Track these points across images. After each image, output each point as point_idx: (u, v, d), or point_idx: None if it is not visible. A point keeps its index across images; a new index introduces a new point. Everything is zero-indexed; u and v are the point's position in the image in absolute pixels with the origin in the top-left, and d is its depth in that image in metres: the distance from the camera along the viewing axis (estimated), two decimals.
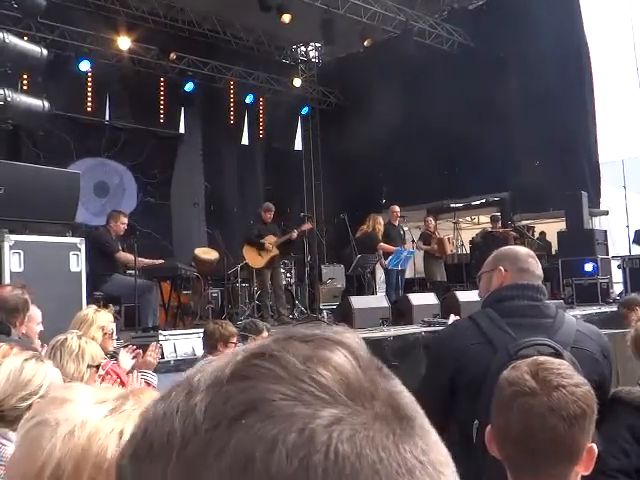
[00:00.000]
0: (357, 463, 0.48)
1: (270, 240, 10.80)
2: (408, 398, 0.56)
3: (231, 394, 0.51)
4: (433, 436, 0.55)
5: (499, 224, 13.67)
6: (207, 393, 0.52)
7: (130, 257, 8.31)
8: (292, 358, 0.53)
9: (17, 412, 2.61)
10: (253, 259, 10.90)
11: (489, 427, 1.75)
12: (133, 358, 4.68)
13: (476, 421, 2.30)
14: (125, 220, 8.63)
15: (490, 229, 13.83)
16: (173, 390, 0.56)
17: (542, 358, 1.80)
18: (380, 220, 11.74)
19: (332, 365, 0.53)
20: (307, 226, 11.34)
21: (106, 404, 0.95)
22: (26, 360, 2.68)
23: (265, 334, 5.30)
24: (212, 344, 4.97)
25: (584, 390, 1.69)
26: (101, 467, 0.89)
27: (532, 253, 2.77)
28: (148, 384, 4.41)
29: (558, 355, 2.24)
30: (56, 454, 0.90)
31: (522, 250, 2.79)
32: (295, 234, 10.95)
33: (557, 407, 1.64)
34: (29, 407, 2.64)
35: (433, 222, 13.76)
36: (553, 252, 14.18)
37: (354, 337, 0.58)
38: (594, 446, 1.67)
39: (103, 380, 3.87)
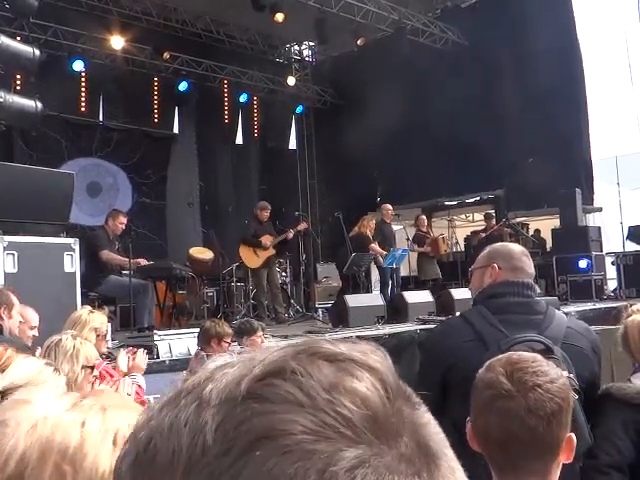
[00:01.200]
0: None
1: (267, 240, 10.80)
2: (434, 431, 0.52)
3: (245, 417, 0.47)
4: (459, 473, 0.52)
5: (493, 222, 13.69)
6: (219, 410, 0.48)
7: (114, 256, 8.29)
8: (316, 383, 0.48)
9: None
10: (249, 259, 10.90)
11: (469, 424, 1.76)
12: (133, 360, 4.70)
13: (468, 418, 2.31)
14: (124, 220, 8.62)
15: (484, 228, 13.84)
16: (182, 397, 0.52)
17: (516, 356, 1.79)
18: (370, 222, 11.67)
19: (359, 397, 0.48)
20: (302, 225, 11.35)
21: (65, 401, 0.96)
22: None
23: (260, 333, 5.33)
24: (206, 340, 5.08)
25: (559, 385, 1.70)
26: (65, 454, 0.89)
27: (526, 251, 2.78)
28: (139, 386, 4.43)
29: (549, 351, 2.25)
30: (20, 447, 0.90)
31: (516, 248, 2.79)
32: (291, 234, 10.96)
33: (535, 408, 1.65)
34: None
35: (425, 221, 13.74)
36: (548, 249, 14.21)
37: (382, 358, 0.54)
38: (572, 435, 1.69)
39: (97, 381, 3.86)
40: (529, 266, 2.70)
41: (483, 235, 13.41)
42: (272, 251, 10.86)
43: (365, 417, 0.47)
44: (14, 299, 4.34)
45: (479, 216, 16.29)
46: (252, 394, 0.48)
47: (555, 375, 1.73)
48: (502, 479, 1.68)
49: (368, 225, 11.60)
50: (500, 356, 1.81)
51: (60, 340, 3.46)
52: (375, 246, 11.55)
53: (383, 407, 0.49)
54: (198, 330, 5.43)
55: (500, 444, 1.66)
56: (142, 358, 4.72)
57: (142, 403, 4.44)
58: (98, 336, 4.43)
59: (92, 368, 3.49)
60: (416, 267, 13.34)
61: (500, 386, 1.69)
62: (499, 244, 2.93)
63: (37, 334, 4.47)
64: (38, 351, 4.07)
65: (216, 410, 0.48)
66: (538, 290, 2.72)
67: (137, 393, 4.31)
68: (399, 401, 0.51)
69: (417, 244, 13.05)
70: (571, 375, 2.27)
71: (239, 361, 0.53)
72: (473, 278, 2.85)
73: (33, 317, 4.53)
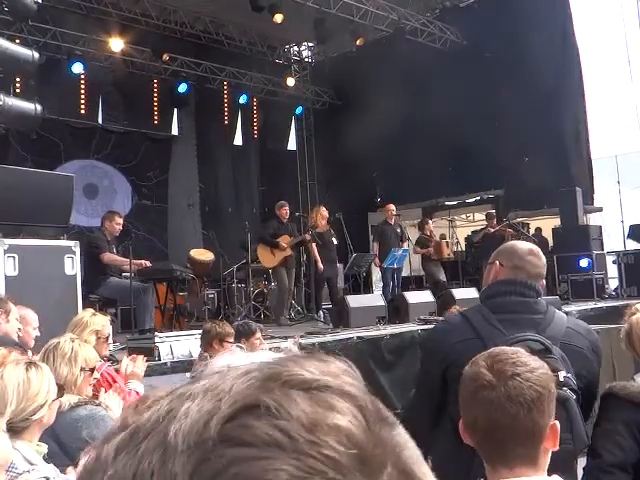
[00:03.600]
0: None
1: (285, 240, 10.70)
2: (415, 453, 0.49)
3: (222, 466, 0.41)
4: None
5: (495, 221, 13.68)
6: (190, 458, 0.42)
7: (116, 258, 8.30)
8: (295, 422, 0.44)
9: (26, 424, 2.63)
10: (266, 258, 10.78)
11: (461, 420, 1.82)
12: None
13: None
14: (120, 220, 8.60)
15: (485, 228, 13.84)
16: (141, 438, 0.44)
17: (498, 349, 1.87)
18: (320, 212, 11.36)
19: (344, 434, 0.44)
20: (320, 228, 11.08)
21: None
22: (28, 370, 2.69)
23: (258, 335, 5.33)
24: (208, 341, 5.09)
25: (539, 374, 1.77)
26: None
27: (535, 250, 2.72)
28: (138, 393, 4.42)
29: (547, 350, 2.25)
30: None
31: (523, 246, 2.75)
32: (308, 236, 10.77)
33: (514, 395, 1.72)
34: (38, 418, 2.66)
35: (430, 225, 13.73)
36: (549, 248, 14.21)
37: (354, 379, 0.50)
38: (557, 423, 1.76)
39: (98, 384, 3.86)
40: (534, 265, 2.66)
41: (481, 235, 13.41)
42: (289, 251, 10.77)
43: (352, 456, 0.43)
44: (12, 306, 4.34)
45: (480, 216, 16.30)
46: (225, 437, 0.43)
47: (535, 365, 1.79)
48: (493, 467, 1.74)
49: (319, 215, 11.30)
50: (484, 352, 1.88)
51: (58, 343, 3.47)
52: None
53: (367, 439, 0.45)
54: (199, 332, 5.42)
55: (486, 433, 1.73)
56: (141, 366, 4.70)
57: None
58: (99, 338, 4.43)
59: (92, 370, 3.49)
60: (418, 267, 13.33)
61: (482, 377, 1.76)
62: (509, 242, 2.92)
63: (39, 334, 4.49)
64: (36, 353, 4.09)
65: (186, 458, 0.42)
66: (541, 289, 2.69)
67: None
68: (378, 426, 0.47)
69: (420, 247, 13.04)
70: (569, 375, 2.27)
71: (200, 391, 0.46)
72: (484, 275, 2.87)
73: (34, 318, 4.55)
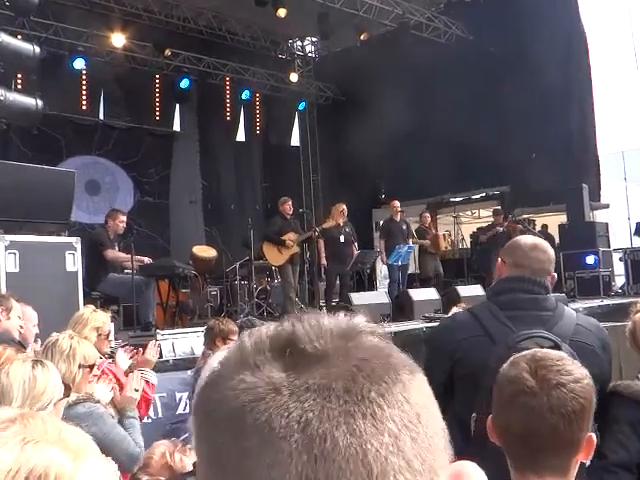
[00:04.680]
0: None
1: (291, 237, 10.67)
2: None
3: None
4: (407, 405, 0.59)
5: (502, 218, 13.65)
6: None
7: (119, 255, 8.30)
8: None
9: None
10: (273, 256, 10.74)
11: (490, 418, 1.78)
12: (131, 358, 4.70)
13: (474, 414, 2.30)
14: (124, 218, 8.61)
15: (492, 224, 13.81)
16: None
17: (540, 353, 1.81)
18: (338, 208, 11.35)
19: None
20: (329, 224, 11.07)
21: None
22: (34, 368, 2.68)
23: None
24: (211, 339, 5.13)
25: (583, 385, 1.71)
26: None
27: (540, 245, 2.69)
28: (147, 382, 4.42)
29: (557, 348, 2.23)
30: None
31: (527, 242, 2.72)
32: (316, 233, 10.72)
33: (557, 406, 1.67)
34: None
35: (429, 218, 13.66)
36: (556, 245, 14.18)
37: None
38: (593, 435, 1.71)
39: (99, 380, 3.85)
40: (538, 260, 2.63)
41: (491, 234, 13.35)
42: (296, 249, 10.74)
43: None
44: (14, 302, 4.35)
45: (485, 212, 16.27)
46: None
47: (579, 375, 1.74)
48: (522, 474, 1.70)
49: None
50: (525, 352, 1.82)
51: (57, 340, 3.46)
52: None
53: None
54: (202, 329, 5.44)
55: (521, 439, 1.69)
56: (153, 351, 4.71)
57: (148, 401, 4.44)
58: (100, 335, 4.42)
59: (91, 367, 3.49)
60: (417, 264, 13.29)
61: (523, 382, 1.71)
62: (517, 237, 2.91)
63: (37, 330, 4.49)
64: (30, 347, 4.10)
65: None
66: (549, 286, 2.65)
67: (144, 391, 4.27)
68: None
69: (418, 238, 12.96)
70: None
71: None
72: (495, 272, 2.86)
73: (34, 315, 4.55)
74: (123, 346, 5.63)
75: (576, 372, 1.74)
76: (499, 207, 14.51)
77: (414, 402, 0.59)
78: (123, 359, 4.63)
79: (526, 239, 2.78)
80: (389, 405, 0.57)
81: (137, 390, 3.91)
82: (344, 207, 11.20)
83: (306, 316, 0.63)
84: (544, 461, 1.67)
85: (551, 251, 2.71)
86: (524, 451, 1.69)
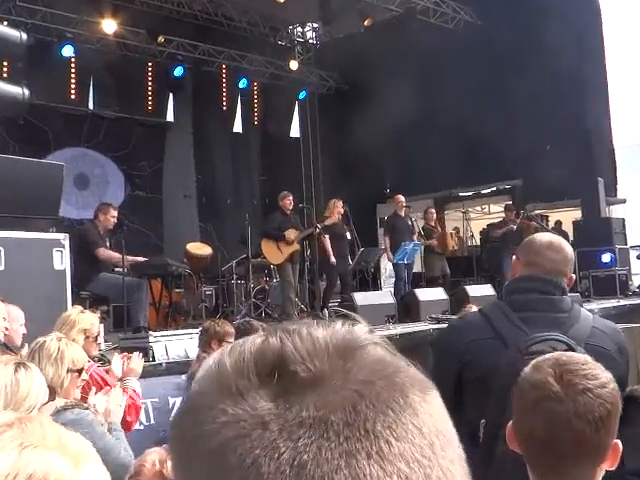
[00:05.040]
0: None
1: (291, 234, 10.65)
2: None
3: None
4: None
5: (514, 214, 13.63)
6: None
7: (112, 254, 8.30)
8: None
9: None
10: (272, 254, 10.72)
11: (510, 425, 1.78)
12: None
13: (483, 420, 2.30)
14: (114, 213, 8.61)
15: (503, 220, 13.80)
16: None
17: (565, 357, 1.81)
18: (336, 205, 11.37)
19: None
20: (332, 220, 11.08)
21: None
22: (17, 371, 2.67)
23: None
24: (206, 341, 5.12)
25: (610, 390, 1.72)
26: None
27: (556, 243, 2.68)
28: (135, 391, 4.43)
29: (571, 351, 2.23)
30: None
31: (542, 240, 2.72)
32: (318, 229, 10.70)
33: (583, 412, 1.67)
34: None
35: (434, 215, 13.64)
36: (570, 242, 14.15)
37: None
38: (619, 442, 1.71)
39: (87, 386, 3.85)
40: (551, 260, 2.63)
41: (503, 231, 13.33)
42: (296, 246, 10.72)
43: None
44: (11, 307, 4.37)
45: (496, 208, 16.26)
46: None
47: (605, 379, 1.74)
48: None
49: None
50: (548, 355, 1.82)
51: (44, 342, 3.45)
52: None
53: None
54: (196, 331, 5.44)
55: (544, 446, 1.69)
56: (138, 362, 4.72)
57: (137, 408, 4.45)
58: (88, 338, 4.42)
59: (80, 372, 3.48)
60: (423, 263, 13.25)
61: (548, 388, 1.71)
62: (533, 235, 2.91)
63: (25, 330, 4.49)
64: (25, 348, 4.09)
65: None
66: (565, 286, 2.64)
67: (132, 398, 4.31)
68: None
69: (424, 238, 12.92)
70: None
71: None
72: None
73: (20, 314, 4.54)
74: (115, 348, 5.63)
75: (602, 376, 1.74)
76: (510, 202, 14.49)
77: (427, 430, 0.53)
78: (118, 366, 4.63)
79: (542, 237, 2.78)
80: (398, 438, 0.51)
81: (120, 405, 3.90)
82: (341, 204, 11.23)
83: (296, 326, 0.57)
84: (568, 469, 1.67)
85: (568, 250, 2.70)
86: (547, 458, 1.69)
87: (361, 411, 0.51)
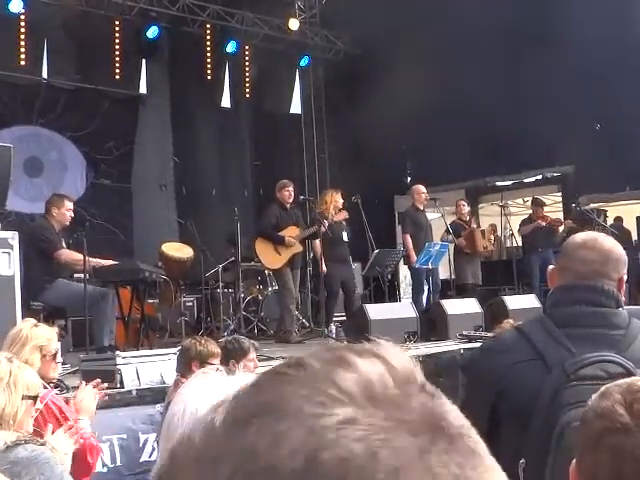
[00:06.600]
0: (370, 463, 0.57)
1: (292, 233, 10.64)
2: (456, 415, 0.66)
3: (247, 399, 0.63)
4: (484, 460, 0.64)
5: (542, 210, 13.65)
6: (228, 404, 0.64)
7: (74, 256, 8.32)
8: (315, 362, 0.64)
9: None
10: (269, 257, 10.72)
11: (573, 463, 1.78)
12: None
13: (522, 460, 2.32)
14: (70, 206, 8.64)
15: (529, 216, 13.86)
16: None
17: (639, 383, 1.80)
18: (334, 197, 11.49)
19: (357, 370, 0.62)
20: (342, 215, 11.13)
21: None
22: None
23: (252, 355, 5.34)
24: (186, 364, 5.08)
25: None
26: None
27: (589, 241, 2.67)
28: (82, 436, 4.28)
29: (629, 375, 2.25)
30: None
31: (575, 239, 2.74)
32: (325, 227, 10.65)
33: None
34: None
35: (467, 208, 13.65)
36: (633, 242, 14.16)
37: (401, 354, 0.68)
38: None
39: (42, 417, 3.85)
40: (584, 261, 2.62)
41: (530, 229, 13.40)
42: (298, 247, 10.72)
43: (361, 385, 0.61)
44: None
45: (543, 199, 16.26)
46: (257, 383, 0.65)
47: None
48: None
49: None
50: (621, 381, 1.82)
51: None
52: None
53: (383, 382, 0.62)
54: (174, 351, 5.45)
55: None
56: (91, 396, 4.58)
57: (97, 451, 4.39)
58: (45, 356, 4.42)
59: (35, 399, 3.49)
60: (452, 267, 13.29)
61: (615, 418, 1.70)
62: (573, 235, 2.93)
63: None
64: None
65: (225, 405, 0.64)
66: (620, 297, 2.64)
67: (88, 439, 4.19)
68: (408, 385, 0.64)
69: (455, 235, 12.87)
70: None
71: None
72: None
73: None
74: (83, 376, 5.61)
75: None
76: (540, 197, 14.49)
77: None
78: (90, 399, 4.55)
79: (576, 236, 2.80)
80: None
81: (66, 454, 3.82)
82: (339, 196, 11.29)
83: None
84: None
85: (608, 246, 2.67)
86: None
87: None
